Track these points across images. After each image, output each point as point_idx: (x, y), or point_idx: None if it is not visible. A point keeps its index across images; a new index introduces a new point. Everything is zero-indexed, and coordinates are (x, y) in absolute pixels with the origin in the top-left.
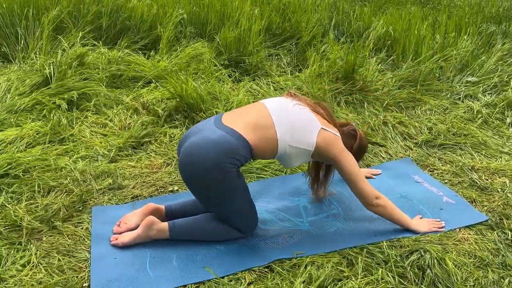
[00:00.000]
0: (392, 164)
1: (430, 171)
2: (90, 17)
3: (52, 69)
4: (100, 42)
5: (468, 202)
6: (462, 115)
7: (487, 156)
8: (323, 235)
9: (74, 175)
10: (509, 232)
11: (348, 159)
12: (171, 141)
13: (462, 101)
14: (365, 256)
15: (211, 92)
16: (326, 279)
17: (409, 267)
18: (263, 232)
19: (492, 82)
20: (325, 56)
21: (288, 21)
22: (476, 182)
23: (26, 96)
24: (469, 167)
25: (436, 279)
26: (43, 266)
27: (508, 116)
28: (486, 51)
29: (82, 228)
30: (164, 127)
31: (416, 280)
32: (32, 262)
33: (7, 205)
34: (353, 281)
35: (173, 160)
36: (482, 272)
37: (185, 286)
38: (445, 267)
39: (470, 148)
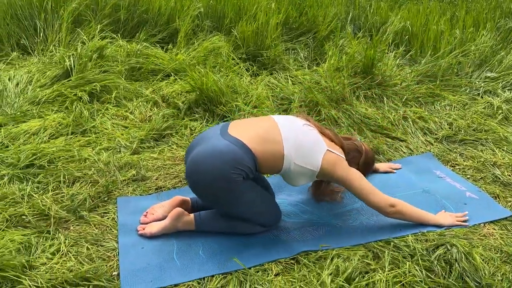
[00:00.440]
0: (413, 159)
1: (452, 167)
2: (108, 10)
3: (72, 61)
4: (119, 35)
5: (492, 197)
6: (482, 111)
7: (509, 152)
8: (347, 229)
9: (98, 166)
10: None
11: (355, 177)
12: (192, 134)
13: (482, 97)
14: (391, 249)
15: (230, 86)
16: (353, 272)
17: (436, 261)
18: (287, 225)
19: None
20: (342, 51)
21: (304, 15)
22: (499, 178)
23: (47, 88)
24: (491, 163)
25: (464, 273)
26: (73, 255)
27: None
28: (504, 47)
29: (108, 218)
30: (185, 120)
31: (444, 273)
32: (61, 250)
33: (33, 194)
34: (381, 274)
35: None
36: (509, 267)
37: (213, 276)
38: (473, 261)
39: (491, 144)
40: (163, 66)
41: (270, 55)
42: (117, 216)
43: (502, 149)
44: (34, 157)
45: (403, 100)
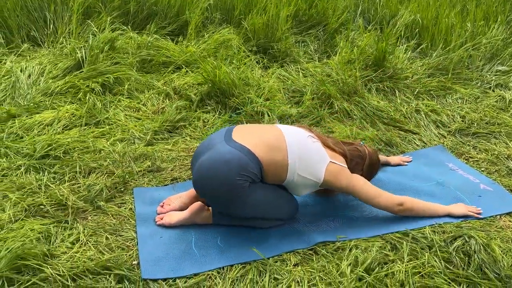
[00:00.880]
0: (425, 152)
1: (466, 160)
2: (118, 2)
3: (83, 53)
4: (129, 27)
5: (507, 190)
6: (494, 104)
7: None
8: (364, 220)
9: (113, 157)
10: None
11: (358, 184)
12: (205, 126)
13: (493, 90)
14: (409, 241)
15: (242, 78)
16: (372, 262)
17: (454, 252)
18: (304, 216)
19: None
20: (353, 43)
21: (314, 7)
22: None
23: (59, 80)
24: (505, 156)
25: (483, 264)
26: (92, 244)
27: None
28: None
29: (125, 209)
30: (197, 112)
31: (463, 265)
32: (80, 240)
33: (50, 185)
34: (399, 264)
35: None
36: None
37: (232, 265)
38: (492, 253)
39: (504, 137)
40: (174, 58)
41: (280, 48)
42: (134, 207)
43: None
44: (50, 147)
45: (415, 93)
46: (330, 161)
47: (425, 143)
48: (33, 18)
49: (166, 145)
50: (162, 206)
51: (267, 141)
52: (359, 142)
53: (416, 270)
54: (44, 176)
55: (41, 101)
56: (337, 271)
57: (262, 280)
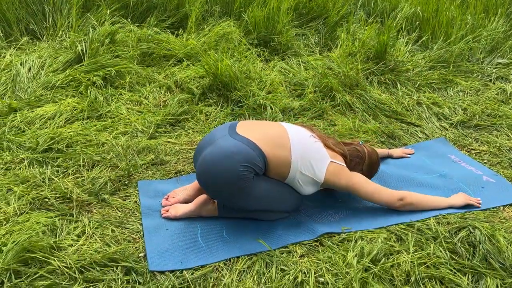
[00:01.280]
0: (427, 144)
1: (468, 152)
2: None
3: (84, 46)
4: (128, 20)
5: (509, 181)
6: (495, 97)
7: None
8: (368, 212)
9: (117, 150)
10: None
11: (358, 181)
12: (207, 119)
13: (493, 83)
14: (413, 232)
15: (243, 71)
16: (378, 253)
17: (459, 243)
18: (308, 209)
19: None
20: (354, 36)
21: (314, 0)
22: None
23: (60, 73)
24: (507, 148)
25: (488, 254)
26: (98, 237)
27: None
28: None
29: (130, 201)
30: (199, 105)
31: (468, 255)
32: (86, 232)
33: (54, 178)
34: (405, 255)
35: None
36: None
37: (238, 257)
38: (496, 243)
39: (506, 129)
40: (175, 51)
41: (281, 41)
42: (139, 199)
43: None
44: (52, 141)
45: (416, 85)
46: (331, 161)
47: (427, 136)
48: (31, 11)
49: (169, 138)
50: (167, 199)
51: (272, 137)
52: (358, 142)
53: (422, 261)
54: (47, 169)
55: (42, 95)
56: (343, 262)
57: (269, 271)
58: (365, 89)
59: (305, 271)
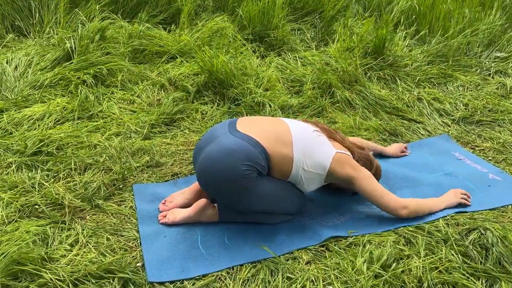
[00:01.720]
0: (430, 141)
1: (472, 148)
2: None
3: (73, 43)
4: (119, 16)
5: None
6: (495, 92)
7: None
8: (373, 214)
9: (110, 152)
10: None
11: (365, 175)
12: (203, 118)
13: (493, 77)
14: (423, 235)
15: (239, 68)
16: (388, 258)
17: (471, 246)
18: (312, 210)
19: None
20: (351, 31)
21: None
22: None
23: (48, 71)
24: (511, 144)
25: (502, 258)
26: (92, 246)
27: None
28: (511, 26)
29: (126, 207)
30: (195, 104)
31: (480, 258)
32: (80, 241)
33: (44, 183)
34: (416, 260)
35: None
36: None
37: (242, 265)
38: (509, 245)
39: (508, 125)
40: (168, 47)
41: (277, 36)
42: (134, 204)
43: None
44: (42, 143)
45: (416, 81)
46: (336, 152)
47: (430, 132)
48: (17, 7)
49: (164, 139)
50: (164, 204)
51: (273, 133)
52: (369, 151)
53: (434, 266)
54: (37, 174)
55: (30, 95)
56: (352, 269)
57: (275, 280)
58: (364, 85)
59: (313, 279)
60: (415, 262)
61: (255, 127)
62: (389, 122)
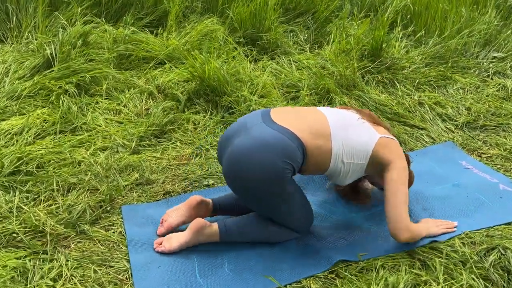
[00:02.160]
0: (434, 148)
1: (478, 156)
2: None
3: (53, 49)
4: (102, 19)
5: None
6: (496, 94)
7: None
8: (384, 233)
9: (95, 170)
10: None
11: (403, 167)
12: (196, 129)
13: (492, 78)
14: (439, 256)
15: (232, 73)
16: (405, 286)
17: (492, 268)
18: (317, 230)
19: None
20: (345, 32)
21: None
22: None
23: (27, 80)
24: None
25: None
26: (78, 280)
27: None
28: (506, 25)
29: (114, 232)
30: (186, 113)
31: (503, 283)
32: (64, 275)
33: (23, 206)
34: (435, 287)
35: (202, 150)
36: None
37: None
38: None
39: None
40: (155, 52)
41: (270, 39)
42: (124, 229)
43: None
44: (20, 161)
45: (415, 84)
46: (381, 136)
47: (434, 139)
48: None
49: (154, 153)
50: (162, 224)
51: (311, 125)
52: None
53: None
54: (15, 196)
55: (7, 106)
56: None
57: None
58: (363, 90)
59: None
60: None
61: (291, 118)
62: (391, 129)
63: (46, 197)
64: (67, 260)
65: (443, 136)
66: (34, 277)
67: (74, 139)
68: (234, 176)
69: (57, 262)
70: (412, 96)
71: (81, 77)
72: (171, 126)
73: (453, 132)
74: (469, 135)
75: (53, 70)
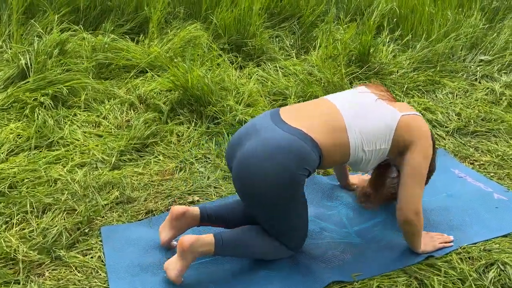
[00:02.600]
0: None
1: (471, 163)
2: None
3: (28, 59)
4: (80, 27)
5: None
6: (485, 98)
7: None
8: (377, 250)
9: (73, 189)
10: None
11: (427, 146)
12: (179, 141)
13: (480, 82)
14: (436, 274)
15: (217, 82)
16: None
17: (492, 286)
18: (310, 247)
19: (506, 61)
20: (332, 37)
21: None
22: None
23: (0, 92)
24: (511, 157)
25: None
26: None
27: None
28: (491, 28)
29: (93, 257)
30: (169, 124)
31: None
32: None
33: None
34: None
35: (186, 164)
36: None
37: None
38: None
39: (505, 135)
40: (136, 61)
41: (255, 45)
42: (103, 253)
43: None
44: None
45: (404, 89)
46: (402, 115)
47: None
48: None
49: (135, 168)
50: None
51: (323, 121)
52: None
53: None
54: None
55: None
56: None
57: None
58: None
59: None
60: None
61: (302, 117)
62: None
63: (19, 219)
64: None
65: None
66: None
67: (50, 155)
68: (244, 181)
69: None
70: (401, 101)
71: (57, 88)
72: (153, 138)
73: (444, 139)
74: (461, 142)
75: (28, 81)
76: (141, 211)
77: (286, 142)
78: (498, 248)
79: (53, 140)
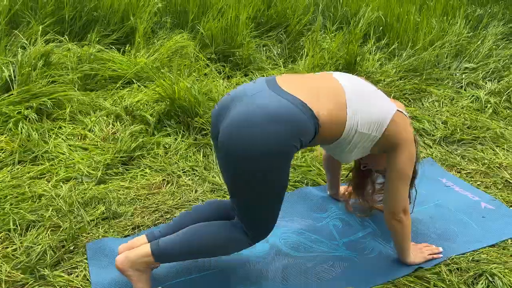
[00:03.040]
0: None
1: (458, 172)
2: (50, 8)
3: (12, 71)
4: (65, 37)
5: (509, 207)
6: (470, 105)
7: (510, 151)
8: (367, 262)
9: (57, 205)
10: None
11: (412, 150)
12: (167, 153)
13: (465, 89)
14: (425, 287)
15: (204, 92)
16: None
17: None
18: (300, 261)
19: (490, 68)
20: (319, 46)
21: (273, 7)
22: (510, 182)
23: None
24: (497, 165)
25: None
26: None
27: None
28: (475, 35)
29: (78, 276)
30: (156, 136)
31: None
32: None
33: None
34: None
35: (174, 177)
36: None
37: None
38: None
39: (490, 143)
40: (123, 71)
41: (243, 54)
42: (89, 272)
43: (502, 148)
44: None
45: (391, 98)
46: (397, 110)
47: None
48: None
49: (122, 182)
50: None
51: (324, 93)
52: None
53: None
54: None
55: None
56: None
57: None
58: None
59: None
60: None
61: (301, 86)
62: None
63: (2, 238)
64: None
65: (421, 152)
66: None
67: (34, 170)
68: (230, 148)
69: None
70: None
71: (42, 101)
72: (140, 151)
73: (431, 147)
74: (447, 150)
75: (12, 94)
76: (128, 227)
77: (283, 109)
78: (486, 258)
79: (38, 154)
